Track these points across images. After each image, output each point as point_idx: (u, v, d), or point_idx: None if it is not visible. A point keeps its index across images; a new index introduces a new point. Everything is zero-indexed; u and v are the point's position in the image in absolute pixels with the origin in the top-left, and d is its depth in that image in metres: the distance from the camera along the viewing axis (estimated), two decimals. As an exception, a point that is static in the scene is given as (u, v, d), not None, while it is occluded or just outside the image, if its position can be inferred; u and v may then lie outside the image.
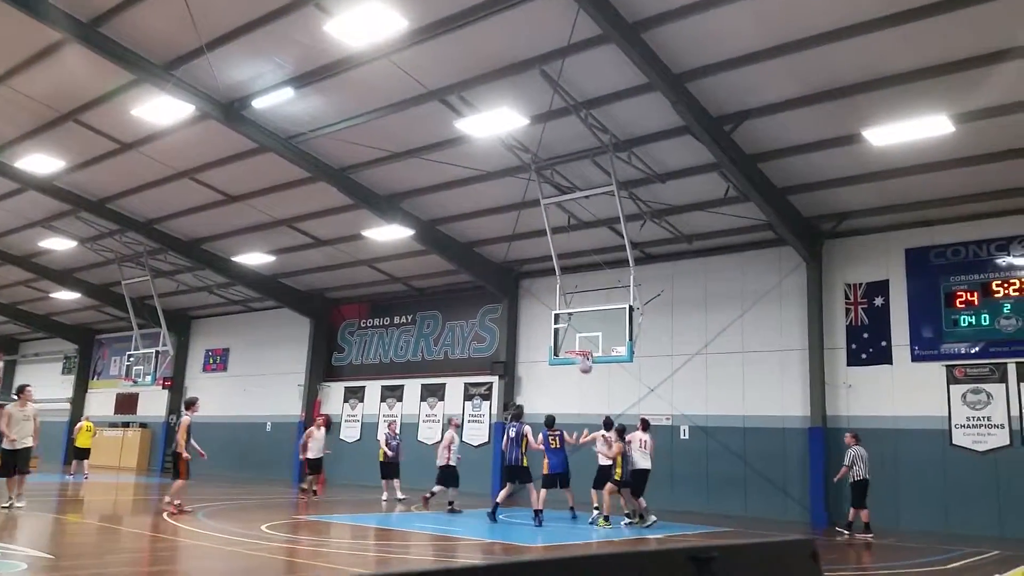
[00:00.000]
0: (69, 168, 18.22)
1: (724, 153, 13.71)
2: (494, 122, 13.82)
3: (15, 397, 13.51)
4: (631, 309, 14.20)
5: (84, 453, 22.81)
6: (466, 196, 17.82)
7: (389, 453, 17.51)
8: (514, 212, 17.62)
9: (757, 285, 17.79)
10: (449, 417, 19.11)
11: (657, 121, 13.92)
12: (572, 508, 14.56)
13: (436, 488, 15.81)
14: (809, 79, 12.37)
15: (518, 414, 14.68)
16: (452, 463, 15.66)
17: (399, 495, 17.07)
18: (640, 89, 12.98)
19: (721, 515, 16.24)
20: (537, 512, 13.39)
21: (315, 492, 18.44)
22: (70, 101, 15.61)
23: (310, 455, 18.61)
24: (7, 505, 12.36)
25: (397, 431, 18.90)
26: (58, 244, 23.61)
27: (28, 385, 13.92)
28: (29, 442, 12.89)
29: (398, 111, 14.52)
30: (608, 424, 14.40)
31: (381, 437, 18.22)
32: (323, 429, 19.23)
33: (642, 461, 13.92)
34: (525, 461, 13.93)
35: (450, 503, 15.29)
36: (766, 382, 17.32)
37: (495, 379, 21.73)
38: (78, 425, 23.88)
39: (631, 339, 14.02)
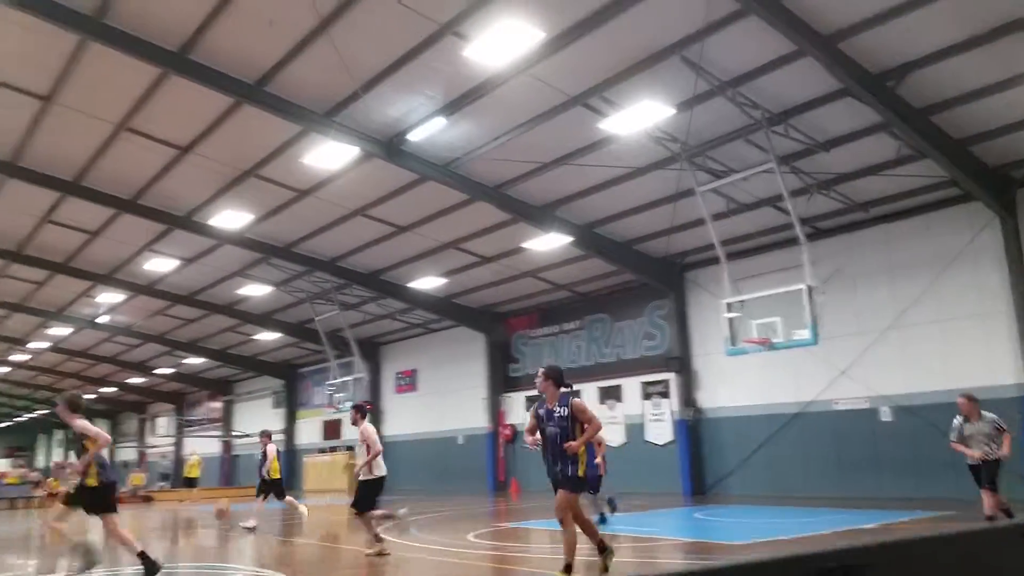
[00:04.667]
0: (256, 220, 19.99)
1: (891, 111, 12.83)
2: (639, 117, 13.73)
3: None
4: (809, 289, 13.56)
5: (193, 483, 26.79)
6: (619, 195, 17.75)
7: None
8: (670, 204, 17.36)
9: (947, 247, 16.41)
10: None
11: (811, 88, 13.27)
12: None
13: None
14: (974, 18, 11.32)
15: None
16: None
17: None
18: (788, 58, 12.44)
19: (937, 499, 15.01)
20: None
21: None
22: (249, 158, 17.14)
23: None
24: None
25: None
26: (255, 290, 26.02)
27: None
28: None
29: (543, 122, 14.75)
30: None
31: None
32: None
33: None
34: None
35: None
36: (971, 351, 15.88)
37: (671, 375, 21.40)
38: (189, 460, 27.80)
39: (813, 320, 13.37)
